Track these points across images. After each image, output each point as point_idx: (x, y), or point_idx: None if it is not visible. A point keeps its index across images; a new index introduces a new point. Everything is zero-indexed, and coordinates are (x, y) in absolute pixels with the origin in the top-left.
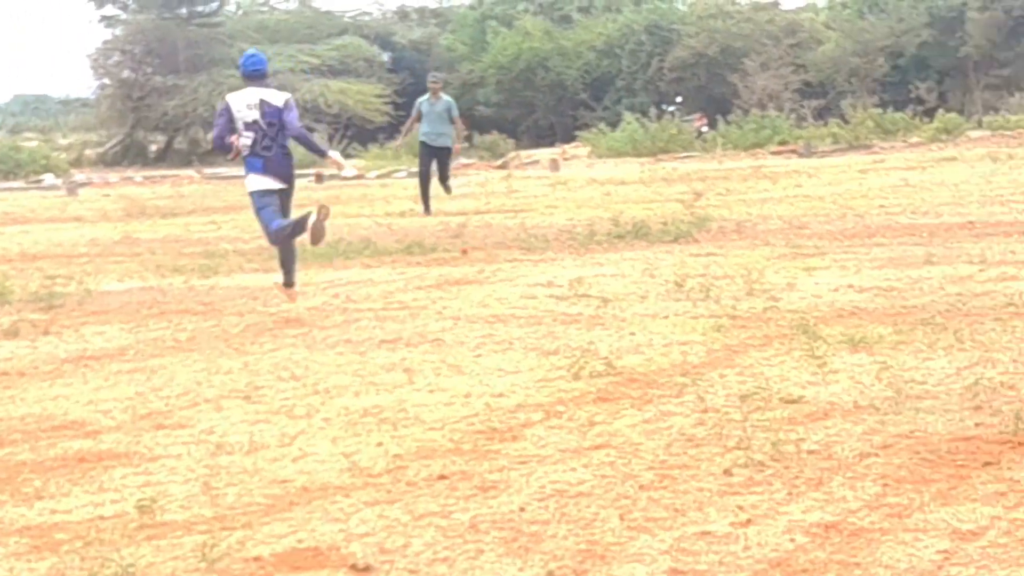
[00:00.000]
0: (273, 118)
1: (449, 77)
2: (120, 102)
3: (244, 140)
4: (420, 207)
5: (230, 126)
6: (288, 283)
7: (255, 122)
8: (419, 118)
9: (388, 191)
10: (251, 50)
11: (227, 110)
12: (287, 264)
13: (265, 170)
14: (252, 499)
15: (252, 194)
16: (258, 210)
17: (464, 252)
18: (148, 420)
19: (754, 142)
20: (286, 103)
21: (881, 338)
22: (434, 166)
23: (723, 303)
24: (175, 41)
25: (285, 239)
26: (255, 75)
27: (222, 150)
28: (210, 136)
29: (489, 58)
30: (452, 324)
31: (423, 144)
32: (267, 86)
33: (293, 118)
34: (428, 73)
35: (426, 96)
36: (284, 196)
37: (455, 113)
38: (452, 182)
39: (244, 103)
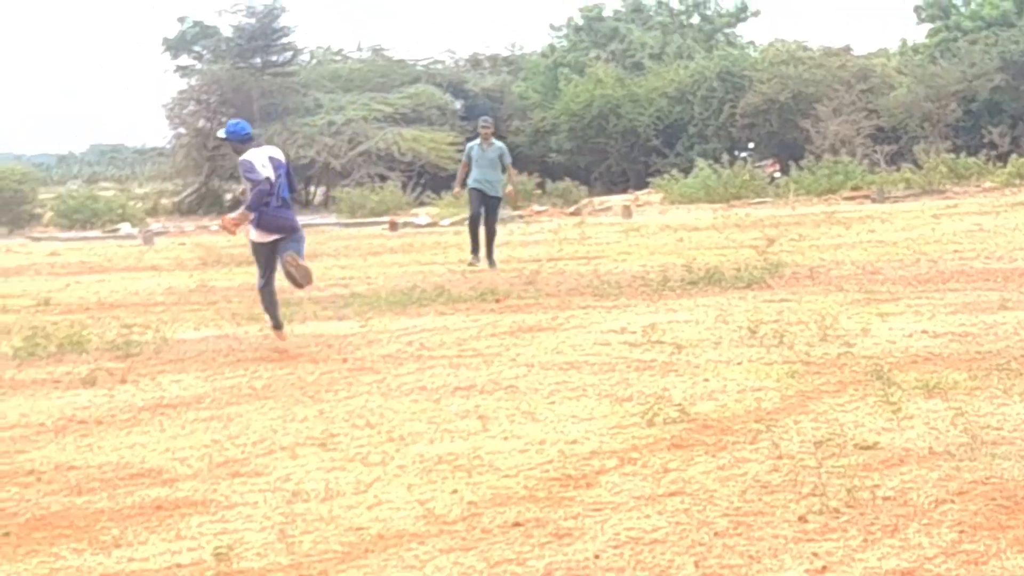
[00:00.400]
0: (282, 170)
1: (522, 124)
2: (195, 151)
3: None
4: (475, 256)
5: None
6: (276, 326)
7: (267, 179)
8: (469, 164)
9: (461, 238)
10: (232, 120)
11: (254, 165)
12: (270, 310)
13: (259, 223)
14: (328, 547)
15: (250, 242)
16: (255, 258)
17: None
18: (224, 468)
19: (827, 188)
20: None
21: (956, 384)
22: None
23: (797, 349)
24: (249, 91)
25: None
26: (247, 138)
27: (267, 193)
28: (261, 179)
29: (561, 105)
30: (526, 371)
31: (475, 190)
32: (258, 145)
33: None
34: (480, 118)
35: (477, 141)
36: (292, 243)
37: (508, 160)
38: (525, 229)
39: (259, 162)
